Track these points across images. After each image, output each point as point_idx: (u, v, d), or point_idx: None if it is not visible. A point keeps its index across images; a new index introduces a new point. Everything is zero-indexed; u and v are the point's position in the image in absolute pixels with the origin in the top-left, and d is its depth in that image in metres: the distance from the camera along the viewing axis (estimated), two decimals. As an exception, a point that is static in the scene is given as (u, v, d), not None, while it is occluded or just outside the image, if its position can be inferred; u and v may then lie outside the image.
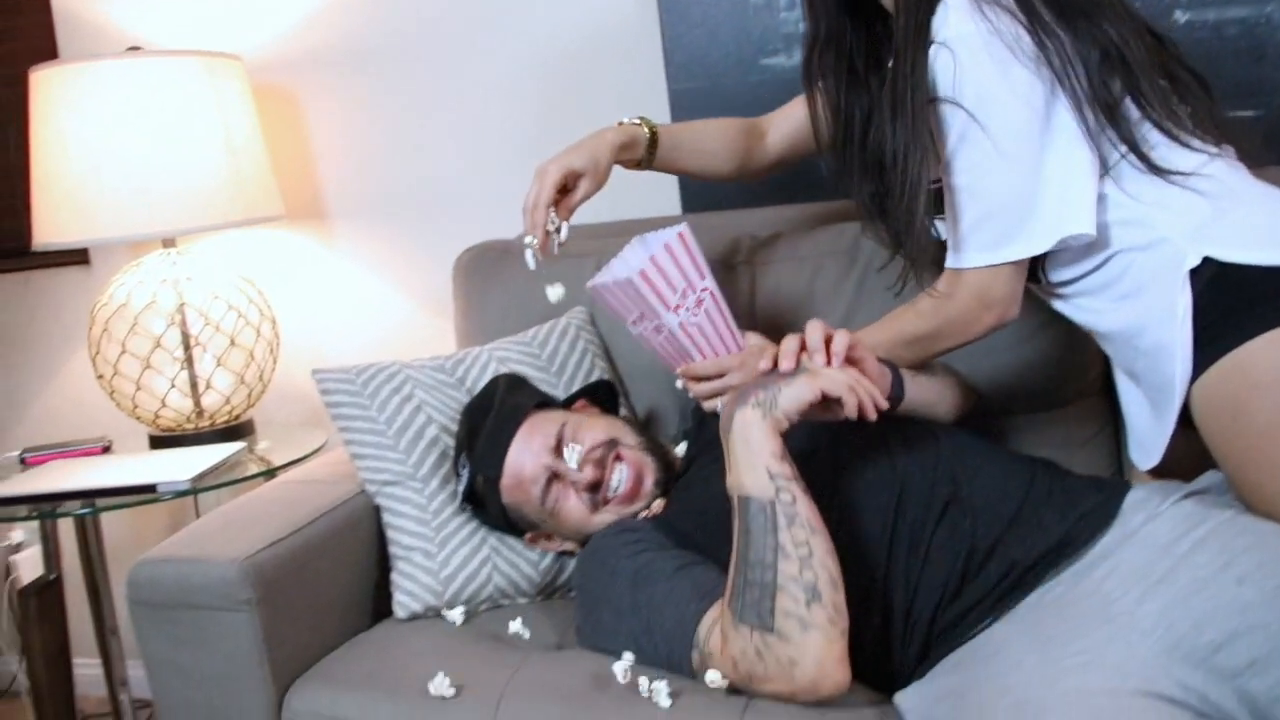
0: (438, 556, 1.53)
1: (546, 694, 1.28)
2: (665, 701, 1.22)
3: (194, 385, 2.08)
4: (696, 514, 1.39)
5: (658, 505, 1.47)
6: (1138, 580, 1.16)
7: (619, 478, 1.47)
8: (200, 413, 2.09)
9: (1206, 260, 1.27)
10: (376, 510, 1.59)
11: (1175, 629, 1.09)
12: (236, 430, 2.11)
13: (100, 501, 1.78)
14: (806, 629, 1.12)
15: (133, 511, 2.40)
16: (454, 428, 1.63)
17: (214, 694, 1.37)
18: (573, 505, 1.48)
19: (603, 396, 1.68)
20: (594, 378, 1.76)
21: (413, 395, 1.64)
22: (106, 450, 2.11)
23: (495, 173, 2.18)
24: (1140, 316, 1.34)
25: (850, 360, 1.26)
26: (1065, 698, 1.05)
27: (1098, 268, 1.36)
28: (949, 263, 1.37)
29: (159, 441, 2.10)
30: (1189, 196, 1.30)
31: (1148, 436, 1.39)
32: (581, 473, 1.46)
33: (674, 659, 1.27)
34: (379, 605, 1.58)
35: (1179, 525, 1.20)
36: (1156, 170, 1.31)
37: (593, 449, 1.47)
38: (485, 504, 1.53)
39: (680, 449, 1.58)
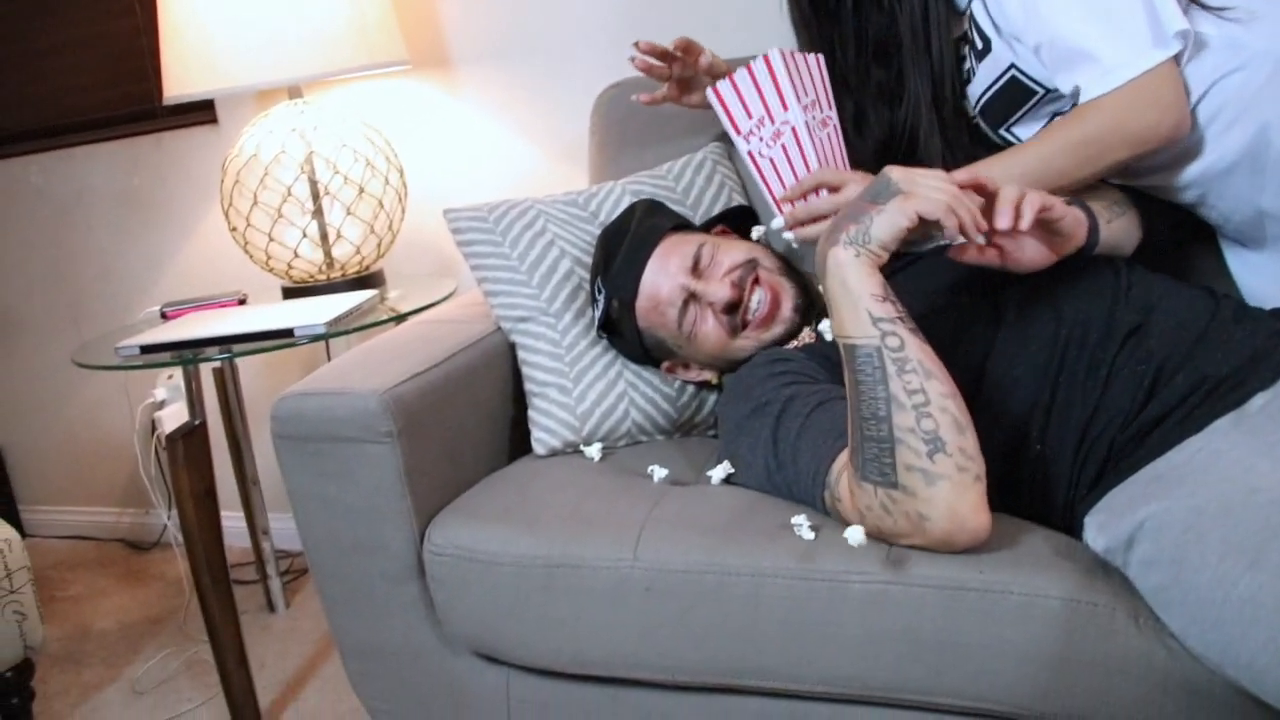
0: (573, 392, 1.51)
1: (687, 527, 1.25)
2: (809, 535, 1.19)
3: (324, 235, 2.08)
4: None
5: (809, 335, 1.42)
6: None
7: (757, 300, 1.42)
8: (331, 263, 2.10)
9: None
10: (512, 348, 1.58)
11: None
12: (367, 280, 2.12)
13: (238, 347, 1.80)
14: (933, 482, 1.05)
15: (269, 364, 2.45)
16: (588, 260, 1.60)
17: (358, 527, 1.38)
18: (711, 328, 1.44)
19: (741, 224, 1.62)
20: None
21: (545, 230, 1.61)
22: (242, 303, 2.13)
23: (624, 13, 2.10)
24: (1259, 130, 1.28)
25: (1042, 220, 1.18)
26: None
27: (1197, 105, 1.30)
28: (1101, 91, 1.28)
29: (292, 293, 2.12)
30: (1264, 19, 1.27)
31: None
32: (719, 293, 1.41)
33: (806, 495, 1.23)
34: (516, 442, 1.58)
35: None
36: (1205, 7, 1.28)
37: (732, 269, 1.43)
38: (621, 330, 1.49)
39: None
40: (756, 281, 1.43)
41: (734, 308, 1.42)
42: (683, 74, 1.63)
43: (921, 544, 1.11)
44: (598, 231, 1.63)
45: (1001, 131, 1.49)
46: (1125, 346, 1.19)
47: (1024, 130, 1.47)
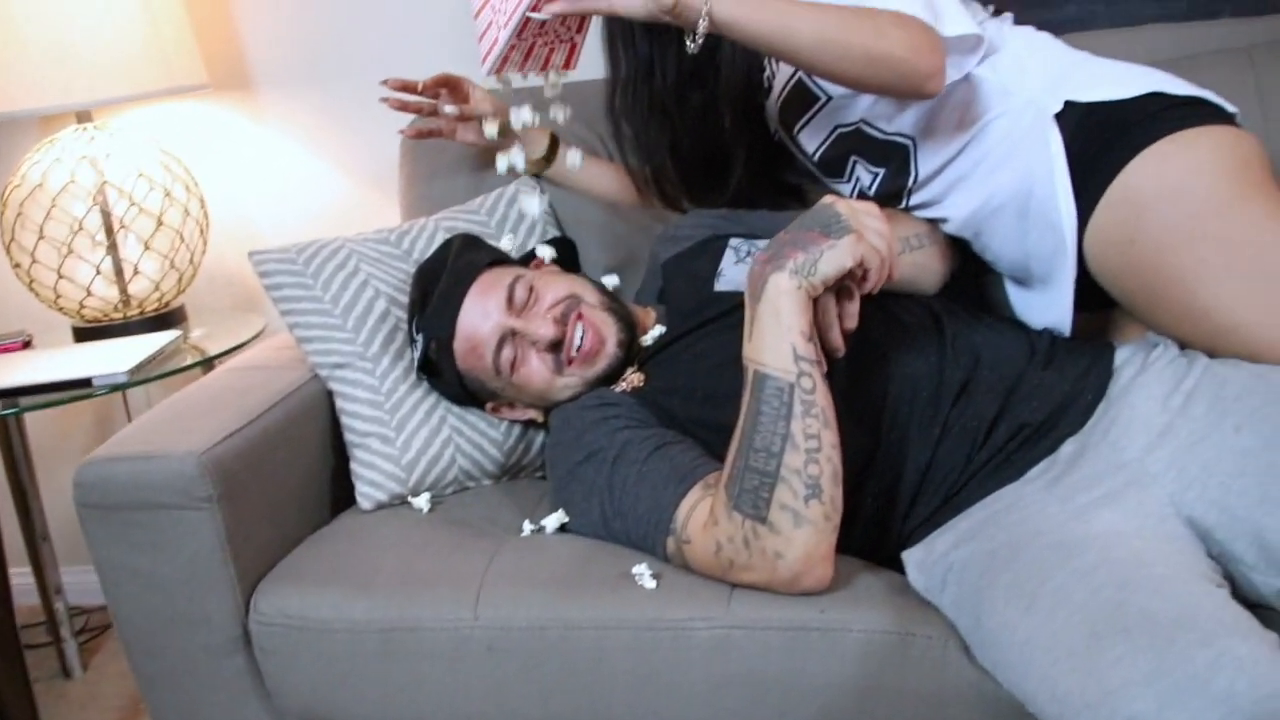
0: (396, 441, 1.46)
1: (526, 581, 1.24)
2: (650, 584, 1.19)
3: (119, 271, 1.95)
4: (682, 391, 1.33)
5: (637, 378, 1.40)
6: (1141, 432, 1.17)
7: (580, 335, 1.39)
8: (127, 301, 1.97)
9: (1068, 104, 1.32)
10: (330, 395, 1.51)
11: (1185, 474, 1.11)
12: (167, 318, 1.99)
13: (27, 400, 1.66)
14: (800, 524, 1.08)
15: (56, 411, 2.27)
16: (404, 300, 1.54)
17: (176, 599, 1.30)
18: (534, 368, 1.40)
19: (562, 256, 1.60)
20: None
21: (358, 270, 1.55)
22: (28, 345, 1.97)
23: (434, 37, 2.04)
24: (1023, 176, 1.35)
25: None
26: (1101, 536, 1.04)
27: (969, 144, 1.38)
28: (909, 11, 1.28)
29: (84, 334, 1.98)
30: (1029, 72, 1.36)
31: (1054, 311, 1.40)
32: (542, 330, 1.38)
33: (646, 543, 1.23)
34: (337, 495, 1.51)
35: (1166, 380, 1.22)
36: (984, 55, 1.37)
37: (554, 305, 1.40)
38: (441, 372, 1.45)
39: (654, 326, 1.49)
40: (579, 317, 1.40)
41: (557, 346, 1.39)
42: (450, 110, 1.63)
43: (764, 582, 1.13)
44: (413, 269, 1.58)
45: (794, 135, 1.53)
46: (956, 404, 1.24)
47: (809, 138, 1.52)
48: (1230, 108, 1.35)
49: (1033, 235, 1.37)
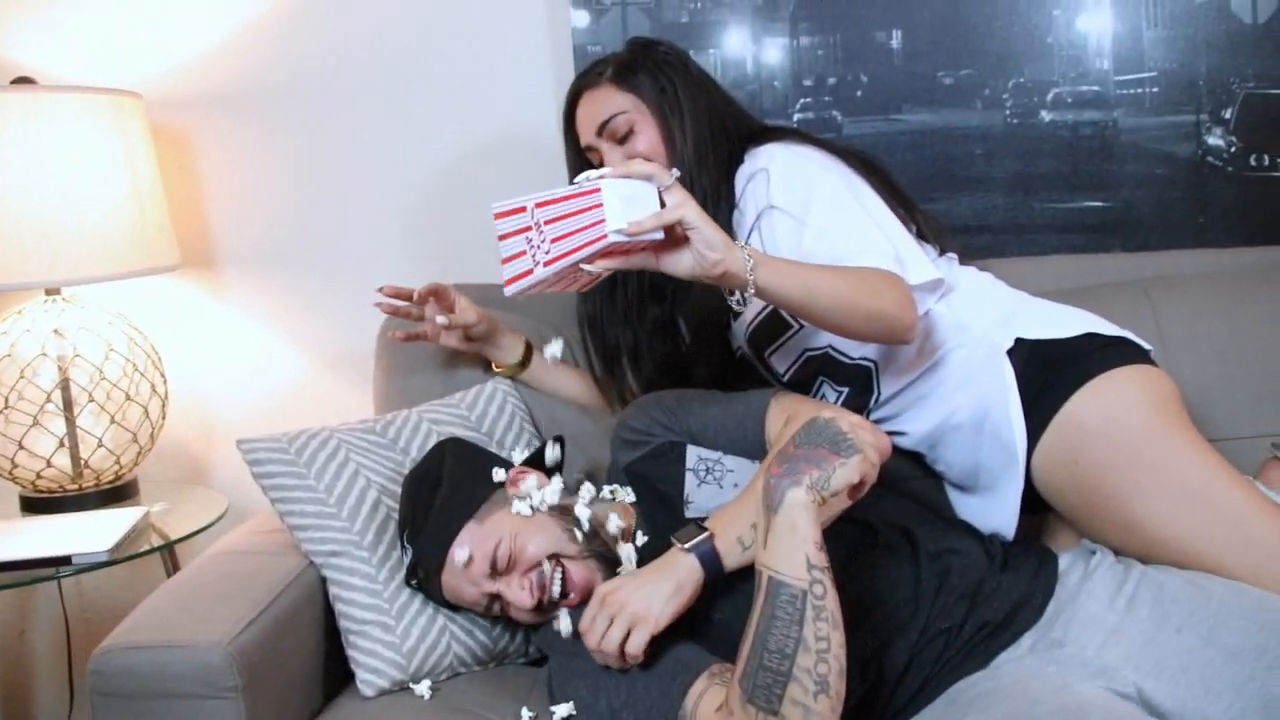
0: (396, 629, 1.50)
1: (540, 771, 1.28)
2: (660, 769, 1.26)
3: (75, 443, 1.94)
4: None
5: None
6: (1095, 630, 1.33)
7: (559, 586, 1.43)
8: (81, 473, 1.96)
9: (1018, 341, 1.53)
10: (323, 581, 1.54)
11: (1141, 667, 1.28)
12: (121, 491, 1.99)
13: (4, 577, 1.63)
14: (808, 717, 1.16)
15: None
16: (394, 488, 1.59)
17: (192, 788, 1.29)
18: (519, 615, 1.46)
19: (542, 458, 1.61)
20: (523, 440, 1.76)
21: (349, 460, 1.60)
22: (-27, 516, 1.93)
23: (396, 223, 2.15)
24: (979, 399, 1.54)
25: None
26: (1096, 700, 1.20)
27: (928, 369, 1.57)
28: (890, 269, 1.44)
29: (33, 504, 1.95)
30: (980, 308, 1.56)
31: (999, 517, 1.56)
32: (521, 598, 1.42)
33: None
34: (329, 678, 1.54)
35: (1108, 585, 1.39)
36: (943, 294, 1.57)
37: (531, 566, 1.44)
38: (429, 590, 1.50)
39: (636, 533, 1.53)
40: (558, 566, 1.44)
41: (539, 605, 1.44)
42: (441, 321, 1.72)
43: None
44: (400, 458, 1.64)
45: (765, 357, 1.68)
46: (932, 610, 1.37)
47: (779, 360, 1.67)
48: (1147, 345, 1.57)
49: (985, 450, 1.54)
